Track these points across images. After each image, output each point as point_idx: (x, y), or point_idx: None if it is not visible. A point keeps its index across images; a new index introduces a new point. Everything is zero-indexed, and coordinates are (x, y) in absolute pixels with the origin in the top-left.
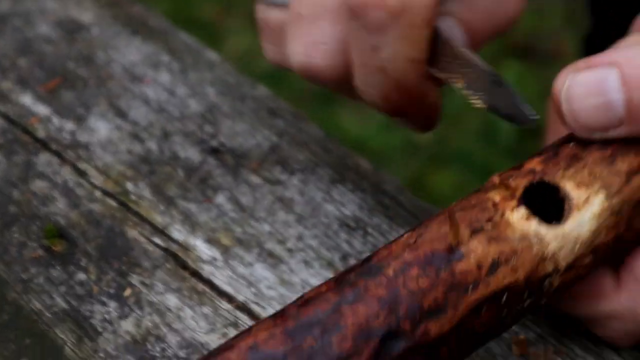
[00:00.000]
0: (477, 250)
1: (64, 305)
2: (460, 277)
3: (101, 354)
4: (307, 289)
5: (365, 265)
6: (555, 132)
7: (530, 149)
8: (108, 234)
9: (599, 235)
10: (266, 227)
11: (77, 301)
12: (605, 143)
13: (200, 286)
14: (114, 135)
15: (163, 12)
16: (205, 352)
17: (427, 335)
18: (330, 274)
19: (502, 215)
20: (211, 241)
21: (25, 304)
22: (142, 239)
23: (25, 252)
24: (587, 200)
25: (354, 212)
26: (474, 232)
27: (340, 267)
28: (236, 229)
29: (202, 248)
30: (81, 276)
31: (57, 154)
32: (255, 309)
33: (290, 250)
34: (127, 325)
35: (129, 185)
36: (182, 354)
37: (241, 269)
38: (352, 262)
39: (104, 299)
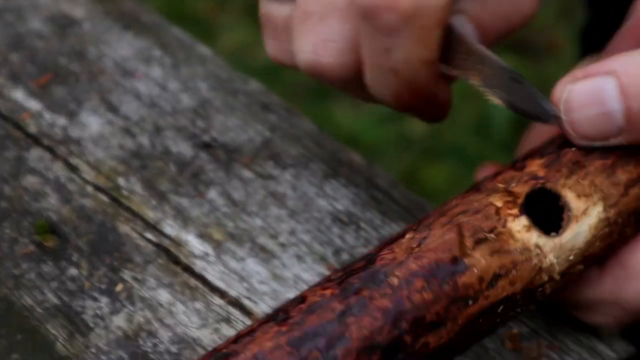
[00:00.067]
0: (480, 262)
1: (55, 300)
2: (462, 291)
3: (93, 350)
4: (300, 284)
5: (368, 269)
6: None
7: None
8: (100, 230)
9: (593, 245)
10: (258, 222)
11: (68, 297)
12: (607, 150)
13: (193, 281)
14: (106, 130)
15: (157, 7)
16: (197, 348)
17: (426, 347)
18: (322, 269)
19: (505, 224)
20: (203, 236)
21: (16, 299)
22: (134, 234)
23: (16, 248)
24: (585, 211)
25: (346, 207)
26: (478, 242)
27: (333, 262)
28: (228, 224)
29: (194, 243)
30: (73, 272)
31: (49, 149)
32: (248, 304)
33: (282, 245)
34: (119, 320)
35: (121, 181)
36: (173, 349)
37: (233, 264)
38: (345, 257)
39: (96, 294)
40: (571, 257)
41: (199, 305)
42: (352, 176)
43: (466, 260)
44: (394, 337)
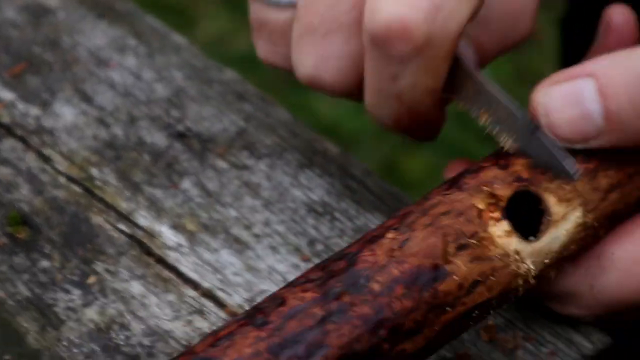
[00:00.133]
0: (460, 269)
1: (27, 293)
2: (441, 298)
3: (64, 343)
4: (274, 275)
5: (349, 272)
6: None
7: None
8: (72, 221)
9: (568, 248)
10: (232, 213)
11: (40, 289)
12: (589, 154)
13: (166, 273)
14: (80, 121)
15: None
16: (170, 340)
17: (402, 353)
18: (297, 260)
19: (486, 229)
20: (177, 227)
21: None
22: (107, 226)
23: None
24: (564, 216)
25: (321, 197)
26: (459, 248)
27: (308, 252)
28: (202, 215)
29: (167, 234)
30: (45, 264)
31: (22, 139)
32: (221, 295)
33: (256, 236)
34: (91, 313)
35: (94, 171)
36: (146, 341)
37: (207, 255)
38: (320, 247)
39: (68, 286)
40: (546, 261)
41: (171, 297)
42: (326, 165)
43: (447, 267)
44: (372, 345)
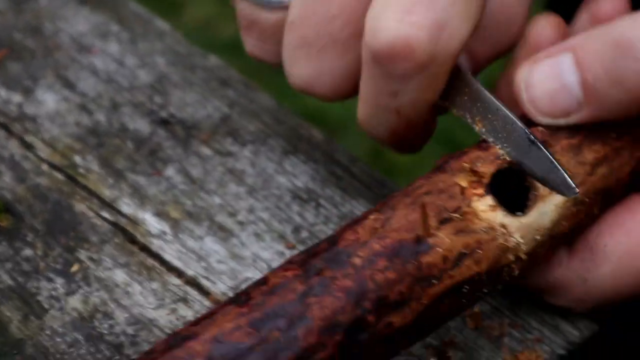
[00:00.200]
0: (444, 242)
1: (9, 282)
2: (426, 270)
3: (47, 332)
4: (259, 262)
5: (331, 250)
6: None
7: None
8: (55, 209)
9: (559, 224)
10: (217, 200)
11: (23, 277)
12: (574, 130)
13: (149, 261)
14: (62, 107)
15: None
16: (154, 329)
17: (390, 327)
18: (281, 247)
19: (469, 204)
20: (160, 215)
21: None
22: (90, 213)
23: None
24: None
25: (306, 184)
26: (442, 222)
27: (292, 239)
28: (186, 202)
29: (151, 222)
30: (27, 252)
31: (4, 126)
32: (205, 283)
33: (241, 223)
34: (74, 301)
35: (77, 159)
36: (130, 330)
37: (191, 243)
38: (304, 234)
39: (51, 275)
40: (538, 237)
41: (155, 285)
42: (311, 152)
43: (430, 240)
44: (356, 317)
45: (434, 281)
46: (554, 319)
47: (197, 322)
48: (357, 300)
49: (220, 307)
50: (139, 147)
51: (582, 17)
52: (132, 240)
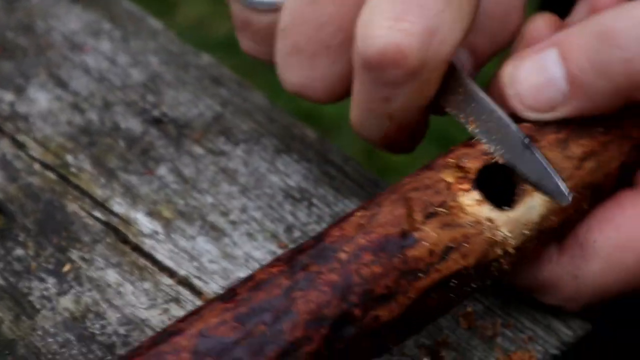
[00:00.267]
0: (430, 236)
1: (1, 282)
2: (412, 264)
3: (39, 332)
4: (251, 262)
5: (317, 246)
6: None
7: None
8: (47, 208)
9: (548, 219)
10: (209, 199)
11: (15, 277)
12: (561, 125)
13: (141, 261)
14: (54, 106)
15: None
16: (145, 329)
17: (377, 321)
18: (274, 247)
19: (455, 199)
20: (152, 214)
21: None
22: (82, 213)
23: None
24: None
25: (298, 183)
26: (428, 216)
27: (285, 239)
28: (178, 202)
29: (143, 221)
30: (19, 252)
31: None
32: (197, 283)
33: (233, 223)
34: (66, 302)
35: (69, 158)
36: (122, 330)
37: (183, 243)
38: (297, 234)
39: (43, 275)
40: (526, 232)
41: (147, 285)
42: (304, 151)
43: (415, 234)
44: (342, 311)
45: (420, 275)
46: (547, 318)
47: (183, 318)
48: (343, 294)
49: (207, 304)
50: (131, 146)
51: (580, 9)
52: (124, 240)
